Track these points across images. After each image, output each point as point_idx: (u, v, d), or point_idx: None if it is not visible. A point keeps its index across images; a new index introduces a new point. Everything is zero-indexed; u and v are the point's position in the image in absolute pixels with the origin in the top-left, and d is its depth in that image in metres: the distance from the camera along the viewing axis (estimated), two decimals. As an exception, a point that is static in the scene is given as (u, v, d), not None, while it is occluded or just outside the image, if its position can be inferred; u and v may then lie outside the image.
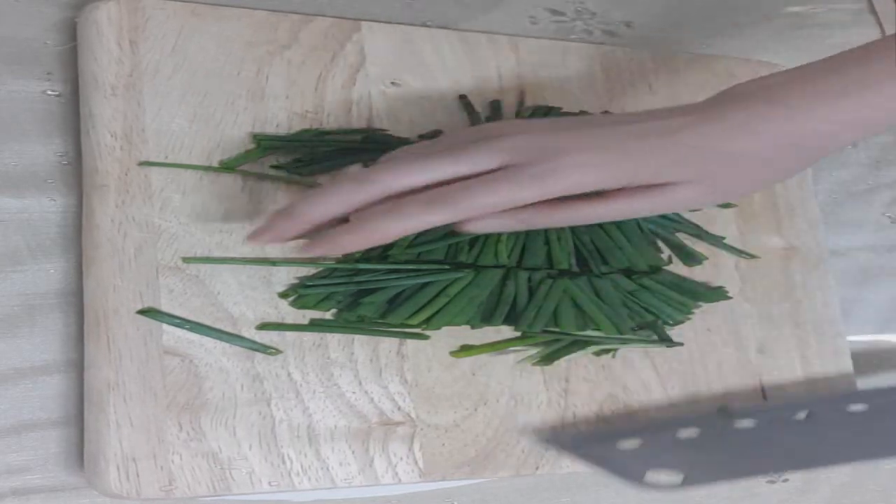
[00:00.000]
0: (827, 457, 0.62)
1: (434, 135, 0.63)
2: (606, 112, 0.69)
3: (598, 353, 0.62)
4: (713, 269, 0.68)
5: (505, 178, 0.53)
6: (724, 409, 0.60)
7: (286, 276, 0.57)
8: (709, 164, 0.55)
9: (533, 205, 0.54)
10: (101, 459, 0.50)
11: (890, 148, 0.81)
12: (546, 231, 0.61)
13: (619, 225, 0.64)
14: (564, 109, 0.67)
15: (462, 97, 0.65)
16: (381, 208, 0.53)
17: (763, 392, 0.67)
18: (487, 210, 0.54)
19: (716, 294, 0.67)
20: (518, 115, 0.66)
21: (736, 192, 0.58)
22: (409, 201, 0.53)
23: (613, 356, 0.63)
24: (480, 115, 0.65)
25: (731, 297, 0.68)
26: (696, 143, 0.55)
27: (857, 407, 0.61)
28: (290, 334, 0.56)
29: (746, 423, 0.59)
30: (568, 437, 0.58)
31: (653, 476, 0.54)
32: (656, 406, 0.63)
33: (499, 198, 0.53)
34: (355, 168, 0.60)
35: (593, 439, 0.56)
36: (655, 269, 0.65)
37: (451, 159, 0.54)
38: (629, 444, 0.54)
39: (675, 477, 0.55)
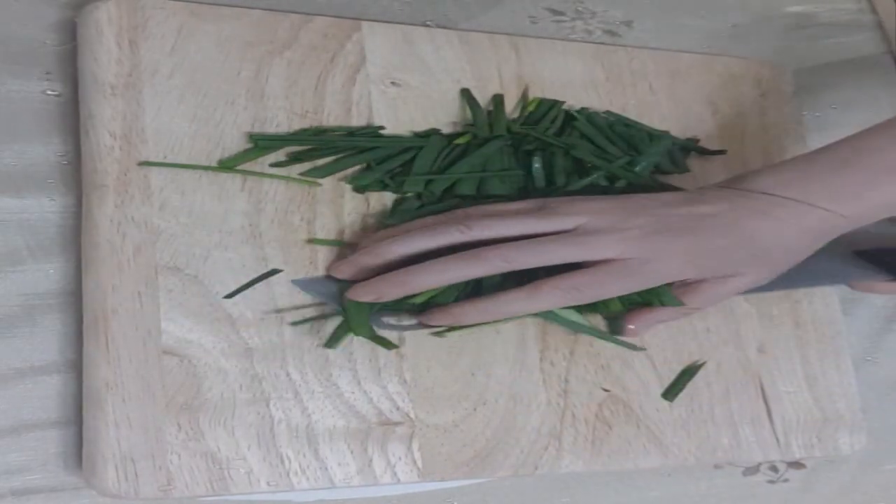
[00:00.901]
0: None
1: (433, 134, 0.63)
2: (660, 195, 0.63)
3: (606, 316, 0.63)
4: (713, 269, 0.68)
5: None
6: None
7: (285, 277, 0.57)
8: (772, 259, 0.61)
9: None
10: (99, 459, 0.50)
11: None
12: None
13: None
14: (565, 108, 0.68)
15: (464, 91, 0.65)
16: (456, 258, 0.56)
17: (763, 391, 0.67)
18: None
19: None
20: (521, 113, 0.66)
21: (781, 269, 0.62)
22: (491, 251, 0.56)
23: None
24: (483, 110, 0.65)
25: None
26: (763, 244, 0.60)
27: None
28: (289, 336, 0.56)
29: None
30: (309, 281, 0.58)
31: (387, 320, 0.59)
32: (655, 406, 0.63)
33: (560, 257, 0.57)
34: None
35: (327, 283, 0.58)
36: None
37: (544, 223, 0.57)
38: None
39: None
